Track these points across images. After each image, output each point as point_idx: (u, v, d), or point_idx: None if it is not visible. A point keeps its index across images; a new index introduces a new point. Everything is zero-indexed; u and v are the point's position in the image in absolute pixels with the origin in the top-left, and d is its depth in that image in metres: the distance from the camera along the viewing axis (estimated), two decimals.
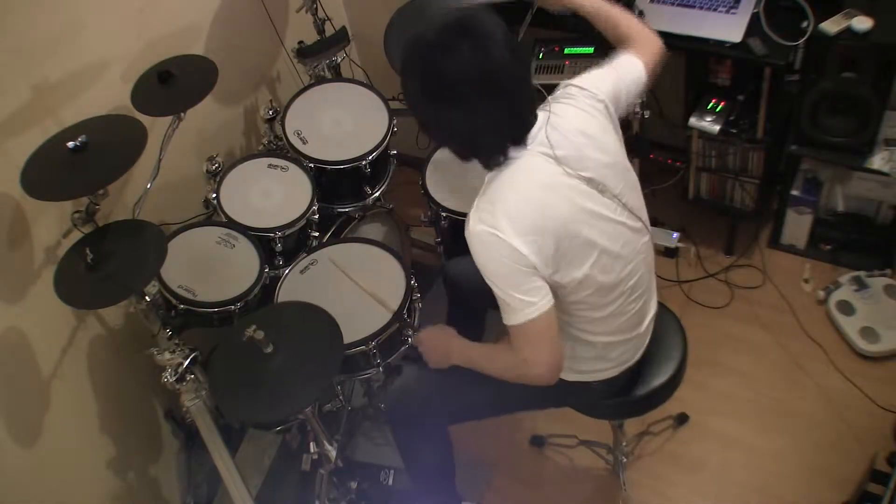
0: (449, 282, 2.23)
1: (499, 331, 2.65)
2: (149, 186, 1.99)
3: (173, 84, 1.95)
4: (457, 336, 1.81)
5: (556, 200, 1.48)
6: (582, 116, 1.57)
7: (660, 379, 1.84)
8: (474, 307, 2.22)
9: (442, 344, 1.81)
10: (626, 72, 1.67)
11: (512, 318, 1.52)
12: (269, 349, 1.65)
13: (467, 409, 1.92)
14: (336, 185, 2.40)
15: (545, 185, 1.48)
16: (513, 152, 1.49)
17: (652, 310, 1.78)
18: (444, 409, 1.89)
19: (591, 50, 2.48)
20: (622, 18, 1.77)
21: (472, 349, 1.77)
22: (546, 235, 1.46)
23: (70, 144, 1.71)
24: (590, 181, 1.52)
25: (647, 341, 1.80)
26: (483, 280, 1.53)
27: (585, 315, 1.63)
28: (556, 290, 1.54)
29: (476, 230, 1.47)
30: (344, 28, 2.63)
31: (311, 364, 1.70)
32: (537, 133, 1.50)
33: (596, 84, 1.61)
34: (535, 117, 1.51)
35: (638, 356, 1.78)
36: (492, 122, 1.45)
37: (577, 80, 1.62)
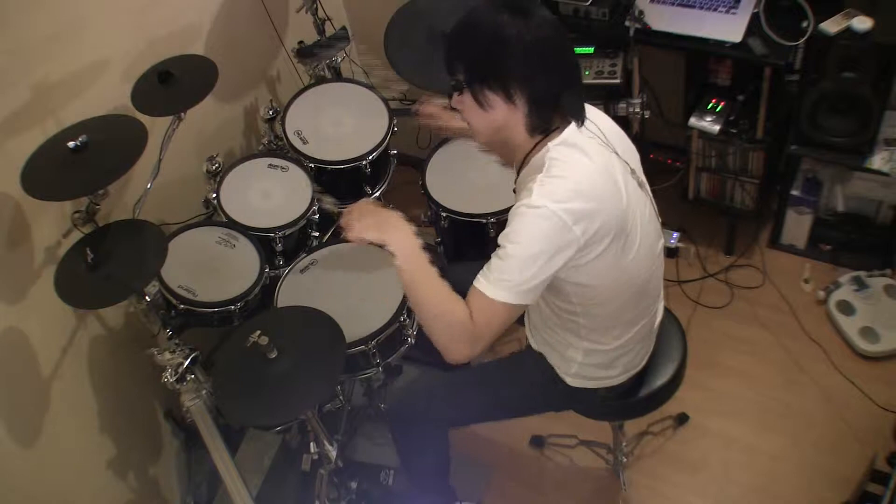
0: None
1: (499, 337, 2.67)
2: (149, 186, 1.99)
3: (173, 84, 1.95)
4: (414, 235, 1.55)
5: (616, 188, 1.45)
6: (605, 119, 1.58)
7: (660, 380, 1.84)
8: None
9: (384, 215, 1.59)
10: None
11: (493, 289, 1.41)
12: (273, 354, 1.65)
13: (468, 414, 1.91)
14: (336, 185, 2.40)
15: (606, 171, 1.45)
16: (570, 131, 1.46)
17: (660, 315, 1.79)
18: (444, 413, 1.89)
19: (591, 50, 2.49)
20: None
21: (423, 255, 1.53)
22: (604, 223, 1.42)
23: (70, 144, 1.70)
24: (635, 176, 1.53)
25: (653, 347, 1.80)
26: None
27: (608, 320, 1.62)
28: (590, 286, 1.51)
29: (539, 203, 1.38)
30: (344, 28, 2.63)
31: (314, 369, 1.70)
32: (588, 122, 1.50)
33: None
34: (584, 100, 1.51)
35: (644, 362, 1.79)
36: (570, 80, 1.45)
37: None
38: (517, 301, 1.41)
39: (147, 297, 1.93)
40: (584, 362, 1.70)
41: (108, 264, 1.70)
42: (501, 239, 1.43)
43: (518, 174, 1.57)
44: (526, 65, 1.40)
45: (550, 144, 1.46)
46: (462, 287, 2.09)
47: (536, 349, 1.79)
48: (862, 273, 2.62)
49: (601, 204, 1.41)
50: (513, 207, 1.44)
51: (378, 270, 2.17)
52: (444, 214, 2.27)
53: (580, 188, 1.40)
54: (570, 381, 1.74)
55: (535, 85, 1.42)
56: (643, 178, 1.62)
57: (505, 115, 1.45)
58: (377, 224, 1.56)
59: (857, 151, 2.37)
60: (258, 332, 1.62)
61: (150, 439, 2.36)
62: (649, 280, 1.62)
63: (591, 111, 1.55)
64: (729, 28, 2.29)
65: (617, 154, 1.51)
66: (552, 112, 1.46)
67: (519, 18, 1.38)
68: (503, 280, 1.40)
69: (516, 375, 1.84)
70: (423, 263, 1.51)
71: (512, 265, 1.40)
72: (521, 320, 1.86)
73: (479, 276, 1.44)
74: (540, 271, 1.40)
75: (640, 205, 1.53)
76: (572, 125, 1.46)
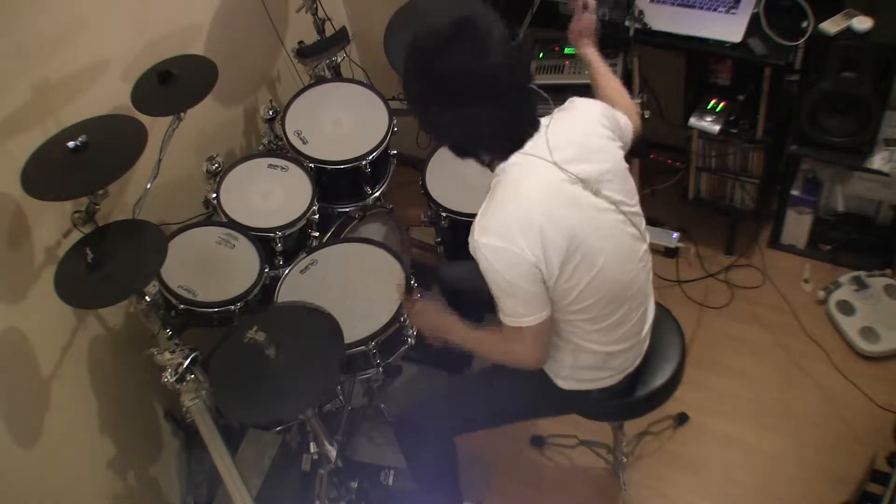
0: (445, 290, 2.22)
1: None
2: (149, 186, 1.99)
3: (173, 84, 1.95)
4: (447, 311, 1.79)
5: (564, 207, 1.48)
6: (582, 124, 1.57)
7: (659, 380, 1.84)
8: (470, 314, 2.21)
9: (434, 314, 1.80)
10: (622, 117, 1.69)
11: (510, 321, 1.55)
12: (271, 351, 1.65)
13: (469, 422, 1.92)
14: (336, 185, 2.40)
15: (551, 191, 1.48)
16: (514, 157, 1.49)
17: (651, 317, 1.78)
18: (447, 423, 1.89)
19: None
20: (620, 90, 1.83)
21: (464, 328, 1.74)
22: (554, 243, 1.46)
23: (70, 144, 1.71)
24: (590, 187, 1.52)
25: (646, 347, 1.80)
26: (479, 285, 1.52)
27: (588, 325, 1.63)
28: (560, 299, 1.54)
29: (482, 241, 1.46)
30: (344, 28, 2.63)
31: (313, 365, 1.70)
32: (538, 138, 1.50)
33: (597, 101, 1.65)
34: (536, 122, 1.51)
35: (637, 363, 1.78)
36: (491, 124, 1.45)
37: (581, 98, 1.64)
38: (527, 323, 1.53)
39: (147, 297, 1.93)
40: (573, 364, 1.70)
41: (108, 264, 1.70)
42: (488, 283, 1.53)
43: None
44: (440, 109, 1.47)
45: (497, 169, 1.52)
46: (460, 284, 2.10)
47: None
48: (862, 273, 2.62)
49: (544, 222, 1.45)
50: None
51: (378, 271, 2.17)
52: (444, 214, 2.27)
53: (514, 216, 1.45)
54: (561, 384, 1.74)
55: (453, 129, 1.50)
56: (625, 181, 1.59)
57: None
58: (436, 327, 1.79)
59: (857, 151, 2.37)
60: (255, 327, 1.62)
61: (150, 439, 2.36)
62: (628, 285, 1.62)
63: (562, 117, 1.55)
64: (729, 28, 2.29)
65: (569, 175, 1.49)
66: (479, 149, 1.52)
67: (442, 56, 1.40)
68: (506, 313, 1.55)
69: (512, 381, 1.84)
70: (467, 336, 1.71)
71: (503, 301, 1.53)
72: None
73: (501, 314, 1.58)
74: (525, 292, 1.50)
75: (597, 215, 1.52)
76: (524, 152, 1.49)
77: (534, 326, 1.53)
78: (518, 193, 1.47)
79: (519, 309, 1.52)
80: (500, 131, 1.47)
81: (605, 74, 1.85)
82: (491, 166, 1.54)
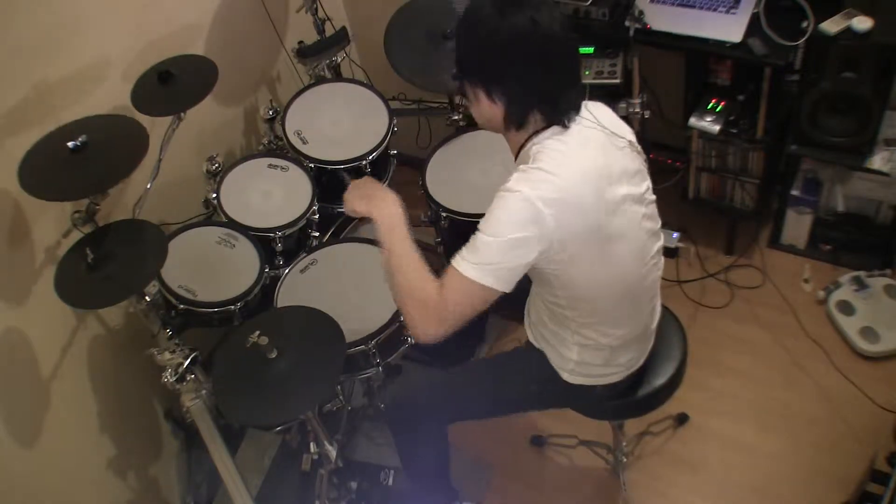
0: None
1: (498, 333, 2.67)
2: (149, 186, 1.99)
3: (173, 84, 1.95)
4: (400, 211, 1.60)
5: (597, 190, 1.46)
6: (610, 117, 1.58)
7: (660, 379, 1.84)
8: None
9: (374, 188, 1.66)
10: None
11: (470, 269, 1.42)
12: (273, 354, 1.65)
13: (466, 409, 1.91)
14: (336, 185, 2.40)
15: (590, 172, 1.46)
16: (556, 130, 1.48)
17: (658, 315, 1.79)
18: (443, 408, 1.89)
19: (591, 50, 2.49)
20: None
21: (404, 232, 1.56)
22: (580, 223, 1.43)
23: (70, 144, 1.71)
24: (623, 173, 1.52)
25: (652, 345, 1.80)
26: None
27: (596, 319, 1.62)
28: (574, 287, 1.53)
29: (516, 188, 1.41)
30: (344, 28, 2.63)
31: (314, 368, 1.70)
32: (580, 123, 1.50)
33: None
34: (581, 97, 1.51)
35: (643, 361, 1.78)
36: (548, 82, 1.44)
37: None
38: (489, 282, 1.42)
39: (147, 297, 1.93)
40: (579, 359, 1.70)
41: (108, 264, 1.70)
42: (481, 222, 1.45)
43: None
44: (502, 64, 1.43)
45: (538, 138, 1.49)
46: None
47: (535, 345, 1.79)
48: (862, 273, 2.62)
49: (579, 199, 1.43)
50: None
51: (378, 270, 2.17)
52: (444, 214, 2.27)
53: (558, 181, 1.41)
54: (567, 377, 1.73)
55: (513, 84, 1.45)
56: (645, 179, 1.61)
57: (489, 109, 1.50)
58: (367, 196, 1.62)
59: (857, 151, 2.37)
60: (258, 332, 1.62)
61: (150, 439, 2.36)
62: (640, 281, 1.62)
63: (598, 108, 1.56)
64: (729, 28, 2.29)
65: (614, 152, 1.51)
66: (533, 110, 1.48)
67: (505, 16, 1.39)
68: (477, 260, 1.42)
69: (515, 371, 1.84)
70: (402, 238, 1.55)
71: (487, 246, 1.42)
72: (521, 319, 1.87)
73: (456, 255, 1.46)
74: (513, 256, 1.42)
75: (628, 206, 1.52)
76: (567, 122, 1.48)
77: (487, 288, 1.42)
78: (560, 165, 1.44)
79: (491, 260, 1.41)
80: (556, 87, 1.46)
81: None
82: (531, 135, 1.50)
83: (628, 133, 1.60)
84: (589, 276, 1.53)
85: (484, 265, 1.42)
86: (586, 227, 1.45)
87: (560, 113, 1.48)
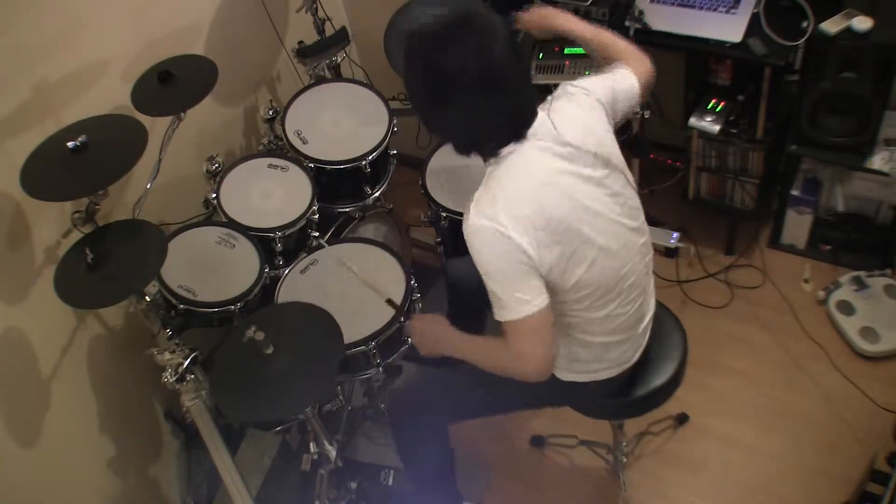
0: (449, 282, 2.23)
1: (497, 332, 2.66)
2: (149, 186, 1.99)
3: (173, 84, 1.95)
4: (449, 325, 1.78)
5: (557, 196, 1.48)
6: (580, 113, 1.57)
7: (660, 379, 1.83)
8: (474, 307, 2.22)
9: (433, 330, 1.78)
10: (621, 80, 1.68)
11: (505, 314, 1.50)
12: (270, 350, 1.65)
13: (466, 408, 1.91)
14: (336, 185, 2.40)
15: (546, 180, 1.48)
16: (513, 146, 1.49)
17: (650, 310, 1.78)
18: (443, 407, 1.89)
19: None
20: (614, 40, 1.79)
21: (463, 340, 1.73)
22: (546, 231, 1.46)
23: (70, 144, 1.71)
24: (588, 177, 1.52)
25: (646, 341, 1.80)
26: (479, 279, 1.52)
27: (583, 315, 1.63)
28: (553, 289, 1.54)
29: (475, 224, 1.46)
30: (344, 28, 2.63)
31: (312, 365, 1.70)
32: (538, 128, 1.50)
33: (592, 85, 1.63)
34: (535, 113, 1.51)
35: (636, 357, 1.78)
36: (493, 118, 1.45)
37: (574, 82, 1.63)
38: (530, 311, 1.48)
39: (147, 297, 1.93)
40: (568, 355, 1.70)
41: (108, 264, 1.70)
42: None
43: None
44: (436, 103, 1.46)
45: (491, 160, 1.52)
46: (461, 279, 2.10)
47: None
48: (862, 273, 2.62)
49: (537, 210, 1.45)
50: None
51: (378, 271, 2.17)
52: (444, 214, 2.27)
53: (510, 200, 1.45)
54: (559, 374, 1.73)
55: (447, 122, 1.49)
56: (616, 173, 1.59)
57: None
58: (434, 343, 1.77)
59: (857, 151, 2.37)
60: (254, 327, 1.62)
61: (150, 439, 2.36)
62: (624, 277, 1.61)
63: (560, 106, 1.56)
64: (729, 28, 2.29)
65: (567, 164, 1.50)
66: (483, 139, 1.50)
67: (446, 48, 1.40)
68: (501, 303, 1.50)
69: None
70: (467, 348, 1.70)
71: (497, 291, 1.49)
72: None
73: (493, 311, 1.54)
74: (521, 282, 1.47)
75: (593, 205, 1.52)
76: (519, 137, 1.49)
77: (531, 317, 1.48)
78: (512, 181, 1.47)
79: (514, 297, 1.48)
80: (502, 125, 1.47)
81: (593, 38, 1.79)
82: (489, 156, 1.53)
83: (593, 104, 1.59)
84: (573, 277, 1.54)
85: (514, 304, 1.48)
86: (555, 233, 1.47)
87: (513, 132, 1.49)
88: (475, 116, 1.45)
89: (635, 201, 1.63)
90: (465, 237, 1.49)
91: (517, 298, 1.48)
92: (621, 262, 1.59)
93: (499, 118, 1.45)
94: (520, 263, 1.46)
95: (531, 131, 1.49)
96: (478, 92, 1.40)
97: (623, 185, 1.59)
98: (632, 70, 1.70)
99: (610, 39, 1.79)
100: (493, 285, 1.49)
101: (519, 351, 1.53)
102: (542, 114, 1.52)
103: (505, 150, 1.50)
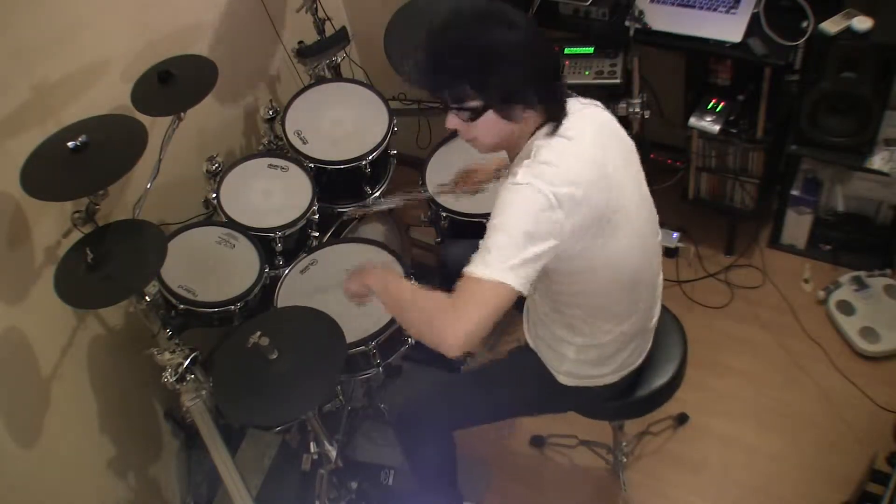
0: (445, 266, 2.21)
1: (499, 333, 2.67)
2: (149, 186, 1.99)
3: (173, 84, 1.95)
4: (396, 272, 1.73)
5: (604, 174, 1.47)
6: (603, 115, 1.59)
7: (660, 379, 1.84)
8: None
9: (376, 268, 1.67)
10: None
11: (481, 269, 1.36)
12: (274, 355, 1.65)
13: (467, 416, 1.91)
14: (336, 185, 2.40)
15: (594, 159, 1.47)
16: (550, 126, 1.48)
17: (657, 314, 1.78)
18: (447, 416, 1.89)
19: (590, 50, 2.49)
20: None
21: (398, 279, 1.63)
22: (589, 205, 1.43)
23: (70, 144, 1.71)
24: (624, 161, 1.54)
25: (650, 345, 1.80)
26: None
27: (592, 315, 1.62)
28: (570, 282, 1.53)
29: (522, 181, 1.39)
30: (344, 28, 2.63)
31: (314, 369, 1.70)
32: (574, 112, 1.51)
33: None
34: (564, 92, 1.53)
35: (640, 360, 1.78)
36: (542, 72, 1.45)
37: None
38: (508, 281, 1.34)
39: (147, 297, 1.93)
40: (575, 358, 1.69)
41: (108, 264, 1.70)
42: (490, 219, 1.41)
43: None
44: (522, 74, 1.42)
45: (539, 134, 1.49)
46: (458, 265, 2.08)
47: (531, 345, 1.79)
48: (862, 273, 2.62)
49: (585, 190, 1.42)
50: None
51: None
52: (444, 214, 2.27)
53: (565, 174, 1.41)
54: (562, 379, 1.73)
55: (524, 91, 1.44)
56: (640, 174, 1.62)
57: (487, 126, 1.47)
58: (357, 277, 1.64)
59: (857, 151, 2.37)
60: (259, 332, 1.62)
61: (150, 439, 2.36)
62: (641, 273, 1.62)
63: (589, 105, 1.57)
64: (729, 28, 2.29)
65: (609, 141, 1.53)
66: (527, 106, 1.48)
67: (503, 29, 1.40)
68: (487, 256, 1.36)
69: (512, 375, 1.84)
70: (396, 281, 1.60)
71: (499, 244, 1.37)
72: (520, 318, 1.87)
73: (468, 263, 1.40)
74: (526, 250, 1.36)
75: (630, 196, 1.54)
76: (561, 116, 1.49)
77: (499, 286, 1.34)
78: (564, 156, 1.44)
79: (501, 258, 1.35)
80: (550, 76, 1.48)
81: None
82: (531, 134, 1.51)
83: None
84: (594, 267, 1.52)
85: (498, 263, 1.35)
86: (593, 215, 1.44)
87: (553, 106, 1.49)
88: (528, 64, 1.42)
89: (649, 196, 1.66)
90: (502, 194, 1.41)
91: (506, 263, 1.35)
92: (641, 254, 1.60)
93: (545, 73, 1.46)
94: (545, 229, 1.37)
95: (568, 113, 1.50)
96: (527, 45, 1.41)
97: (643, 182, 1.61)
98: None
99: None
100: (497, 237, 1.37)
101: (458, 307, 1.37)
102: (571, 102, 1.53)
103: (546, 128, 1.48)
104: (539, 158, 1.43)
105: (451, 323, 1.36)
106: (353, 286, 1.65)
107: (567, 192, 1.39)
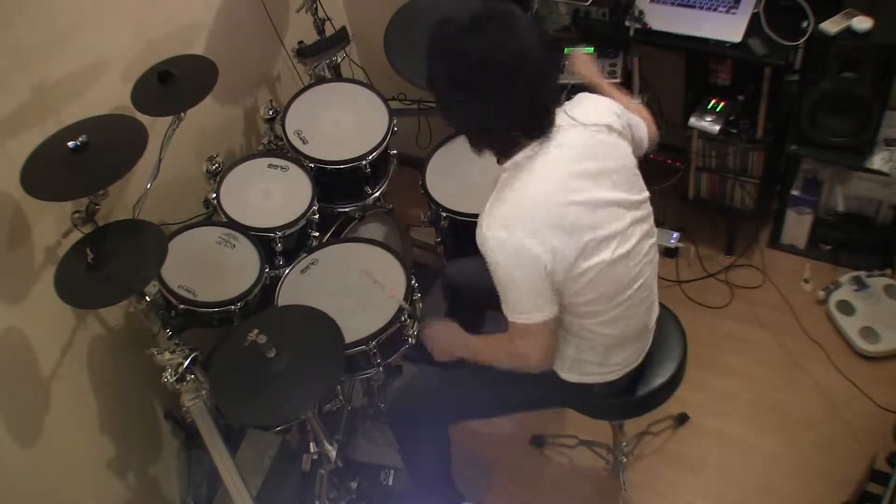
0: (448, 285, 2.23)
1: (498, 330, 2.66)
2: (149, 186, 1.99)
3: (173, 84, 1.95)
4: (460, 329, 1.83)
5: (572, 203, 1.47)
6: (595, 117, 1.57)
7: (660, 379, 1.84)
8: (473, 310, 2.22)
9: (447, 337, 1.83)
10: (636, 118, 1.71)
11: (514, 316, 1.55)
12: (272, 353, 1.65)
13: (468, 409, 1.92)
14: (336, 185, 2.40)
15: (560, 186, 1.47)
16: (528, 150, 1.48)
17: (655, 314, 1.79)
18: (445, 408, 1.90)
19: (591, 50, 2.48)
20: (630, 101, 1.80)
21: (475, 341, 1.79)
22: (561, 238, 1.46)
23: (70, 144, 1.71)
24: (603, 179, 1.52)
25: (650, 344, 1.80)
26: (481, 282, 1.53)
27: (592, 317, 1.63)
28: (564, 290, 1.54)
29: (490, 235, 1.47)
30: (344, 28, 2.63)
31: (313, 367, 1.70)
32: (555, 132, 1.50)
33: (609, 98, 1.66)
34: (554, 114, 1.51)
35: (640, 359, 1.78)
36: (511, 110, 1.43)
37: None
38: (532, 320, 1.54)
39: (147, 297, 1.93)
40: (576, 357, 1.70)
41: (108, 264, 1.70)
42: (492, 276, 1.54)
43: None
44: (452, 90, 1.44)
45: (507, 163, 1.51)
46: (461, 282, 2.10)
47: None
48: (862, 273, 2.62)
49: (553, 217, 1.45)
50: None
51: (378, 271, 2.17)
52: (444, 214, 2.27)
53: (524, 209, 1.46)
54: (564, 375, 1.74)
55: (461, 112, 1.48)
56: (632, 178, 1.61)
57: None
58: (450, 349, 1.81)
59: (857, 151, 2.37)
60: (256, 330, 1.62)
61: (150, 439, 2.36)
62: (633, 281, 1.62)
63: (575, 109, 1.56)
64: (729, 28, 2.29)
65: (581, 167, 1.50)
66: (501, 127, 1.48)
67: (479, 54, 1.38)
68: (512, 308, 1.55)
69: (513, 371, 1.84)
70: (476, 347, 1.77)
71: (509, 297, 1.54)
72: None
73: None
74: (532, 289, 1.51)
75: (603, 212, 1.52)
76: (534, 141, 1.49)
77: (540, 323, 1.54)
78: (527, 188, 1.47)
79: (525, 305, 1.53)
80: (520, 118, 1.46)
81: (614, 96, 1.80)
82: (503, 157, 1.52)
83: (610, 116, 1.58)
84: (583, 281, 1.53)
85: (523, 309, 1.54)
86: (566, 242, 1.47)
87: (534, 124, 1.48)
88: (493, 107, 1.42)
89: (645, 206, 1.64)
90: (480, 247, 1.50)
91: (527, 306, 1.53)
92: (632, 264, 1.60)
93: (517, 111, 1.44)
94: (535, 275, 1.48)
95: (548, 136, 1.49)
96: (498, 81, 1.39)
97: (632, 190, 1.59)
98: (647, 128, 1.75)
99: (627, 100, 1.78)
100: (506, 292, 1.53)
101: (518, 346, 1.61)
102: (559, 117, 1.52)
103: (520, 155, 1.49)
104: (501, 198, 1.49)
105: (523, 360, 1.65)
106: (443, 358, 1.83)
107: (531, 233, 1.45)
